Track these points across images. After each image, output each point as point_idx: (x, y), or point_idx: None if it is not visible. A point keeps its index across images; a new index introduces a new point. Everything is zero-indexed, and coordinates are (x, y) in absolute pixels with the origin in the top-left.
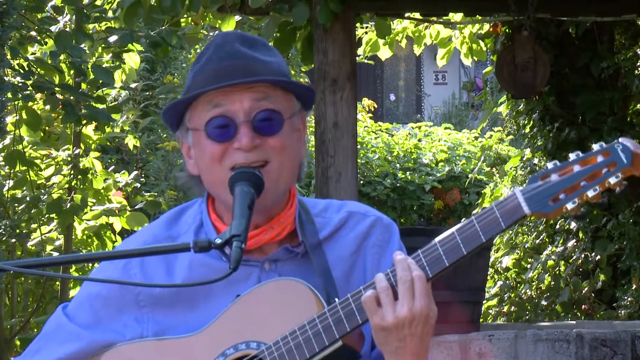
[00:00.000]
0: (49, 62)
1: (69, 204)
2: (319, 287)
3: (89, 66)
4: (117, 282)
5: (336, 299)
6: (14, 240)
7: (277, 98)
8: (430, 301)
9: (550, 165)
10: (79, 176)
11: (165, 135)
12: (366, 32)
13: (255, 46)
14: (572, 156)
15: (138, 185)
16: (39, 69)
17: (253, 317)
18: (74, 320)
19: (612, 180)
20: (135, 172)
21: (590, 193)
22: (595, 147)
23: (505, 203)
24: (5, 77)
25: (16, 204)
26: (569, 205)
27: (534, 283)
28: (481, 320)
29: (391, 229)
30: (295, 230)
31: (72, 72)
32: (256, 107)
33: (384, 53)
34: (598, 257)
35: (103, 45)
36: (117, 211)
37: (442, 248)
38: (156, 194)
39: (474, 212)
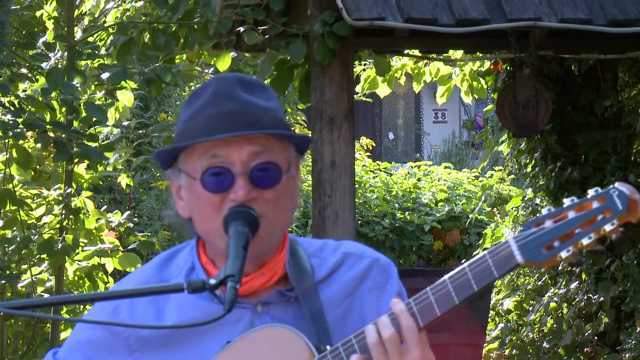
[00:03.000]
0: (40, 99)
1: (60, 245)
2: (310, 332)
3: (82, 103)
4: (107, 324)
5: (327, 347)
6: (4, 281)
7: (275, 149)
8: (425, 349)
9: (544, 211)
10: (71, 216)
11: (158, 174)
12: (364, 69)
13: (254, 90)
14: (566, 202)
15: (131, 225)
16: (30, 107)
17: None
18: None
19: (608, 227)
20: (128, 212)
21: (585, 241)
22: (591, 192)
23: (498, 251)
24: None
25: (6, 245)
26: (563, 254)
27: (536, 325)
28: None
29: (389, 269)
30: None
31: (63, 109)
32: (254, 159)
33: (383, 90)
34: (601, 299)
35: (96, 82)
36: (109, 252)
37: (434, 296)
38: (149, 234)
39: (474, 253)
